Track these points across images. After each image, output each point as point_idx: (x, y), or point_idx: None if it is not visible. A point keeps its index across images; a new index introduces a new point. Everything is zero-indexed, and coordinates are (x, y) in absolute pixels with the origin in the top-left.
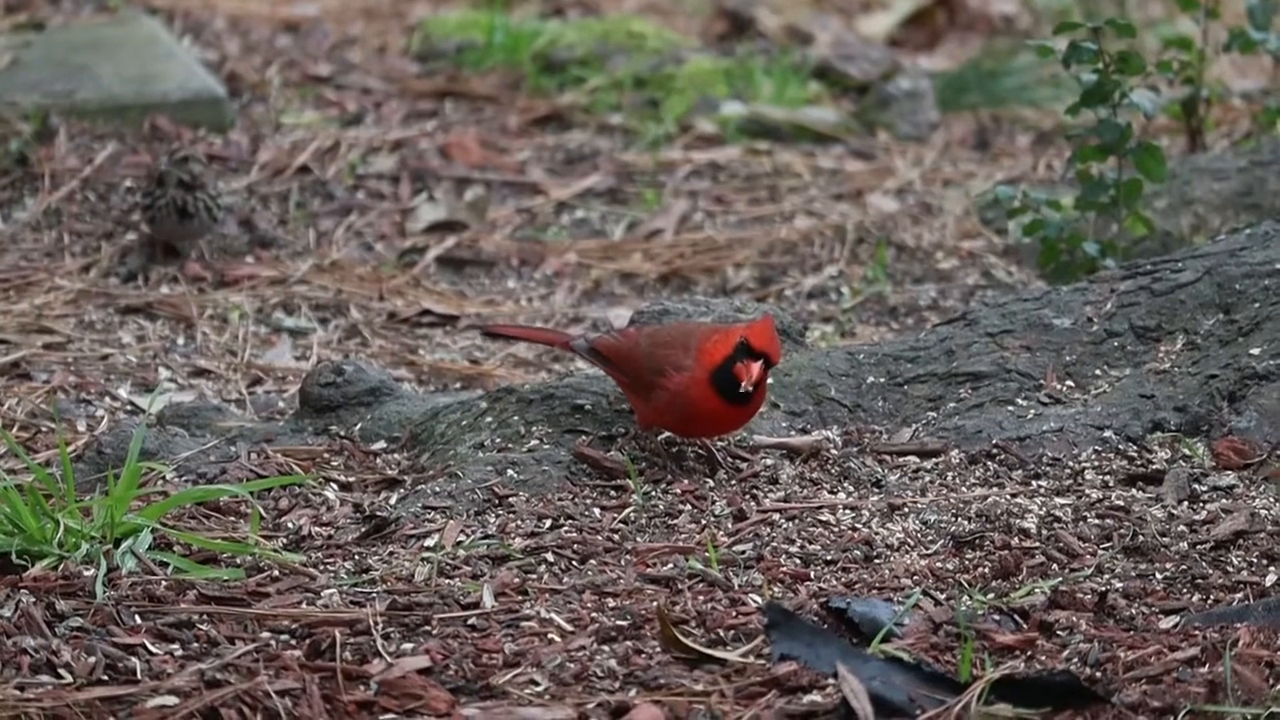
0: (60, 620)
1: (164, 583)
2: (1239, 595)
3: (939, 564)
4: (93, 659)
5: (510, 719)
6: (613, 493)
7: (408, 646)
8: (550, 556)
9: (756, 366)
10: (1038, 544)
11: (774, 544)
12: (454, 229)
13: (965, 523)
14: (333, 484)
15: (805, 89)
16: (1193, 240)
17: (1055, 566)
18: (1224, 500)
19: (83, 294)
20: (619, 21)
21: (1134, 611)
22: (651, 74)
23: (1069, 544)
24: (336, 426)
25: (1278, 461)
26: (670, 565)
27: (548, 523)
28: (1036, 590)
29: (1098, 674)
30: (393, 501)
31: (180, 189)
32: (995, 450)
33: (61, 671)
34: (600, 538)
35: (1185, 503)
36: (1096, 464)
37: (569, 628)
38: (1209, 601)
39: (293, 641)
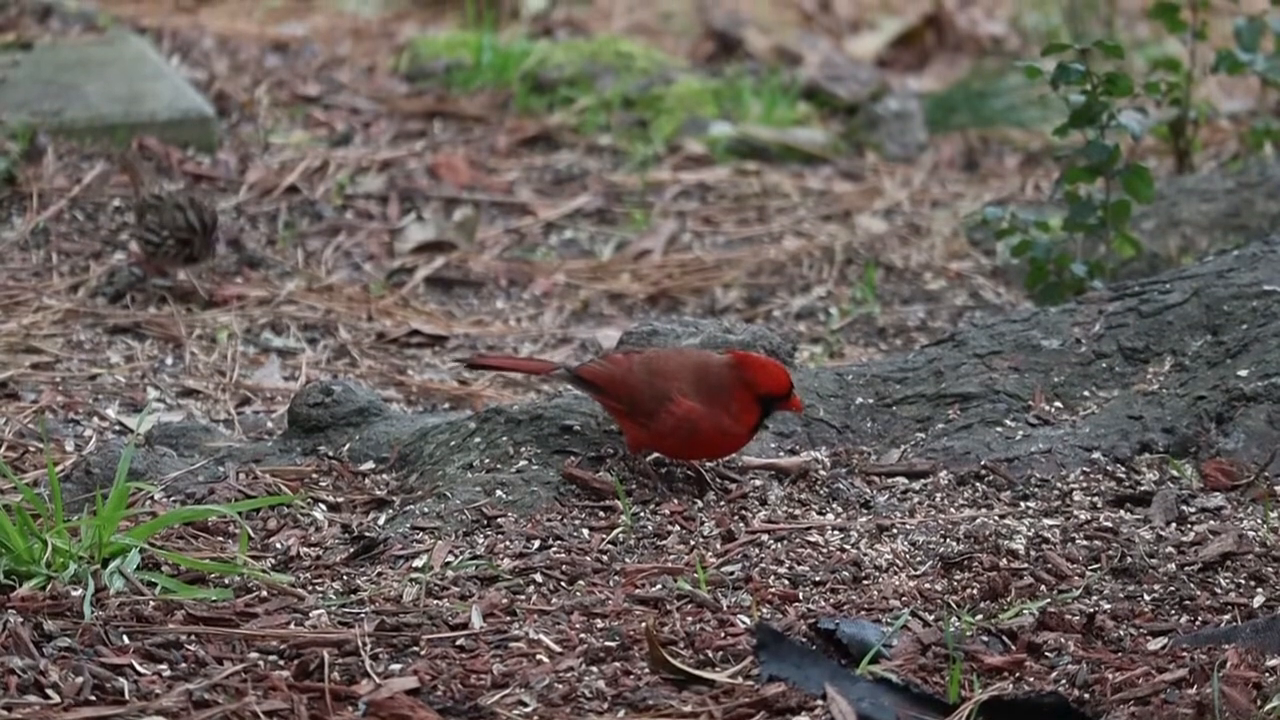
0: (48, 640)
1: (152, 603)
2: (1227, 616)
3: (927, 585)
4: (80, 679)
5: None
6: (601, 513)
7: (396, 667)
8: (539, 577)
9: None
10: (1026, 565)
11: (762, 565)
12: (442, 249)
13: (954, 544)
14: (321, 504)
15: (794, 109)
16: (1180, 261)
17: (1043, 588)
18: (1212, 521)
19: (71, 313)
20: (607, 42)
21: (1122, 633)
22: (640, 94)
23: (1057, 565)
24: (325, 447)
25: (1265, 483)
26: (659, 586)
27: (536, 543)
28: (1025, 611)
29: (1086, 695)
30: (381, 522)
31: (200, 233)
32: (983, 471)
33: (49, 691)
34: (589, 558)
35: (1173, 524)
36: (1085, 485)
37: (557, 648)
38: (1197, 623)
39: (281, 662)
